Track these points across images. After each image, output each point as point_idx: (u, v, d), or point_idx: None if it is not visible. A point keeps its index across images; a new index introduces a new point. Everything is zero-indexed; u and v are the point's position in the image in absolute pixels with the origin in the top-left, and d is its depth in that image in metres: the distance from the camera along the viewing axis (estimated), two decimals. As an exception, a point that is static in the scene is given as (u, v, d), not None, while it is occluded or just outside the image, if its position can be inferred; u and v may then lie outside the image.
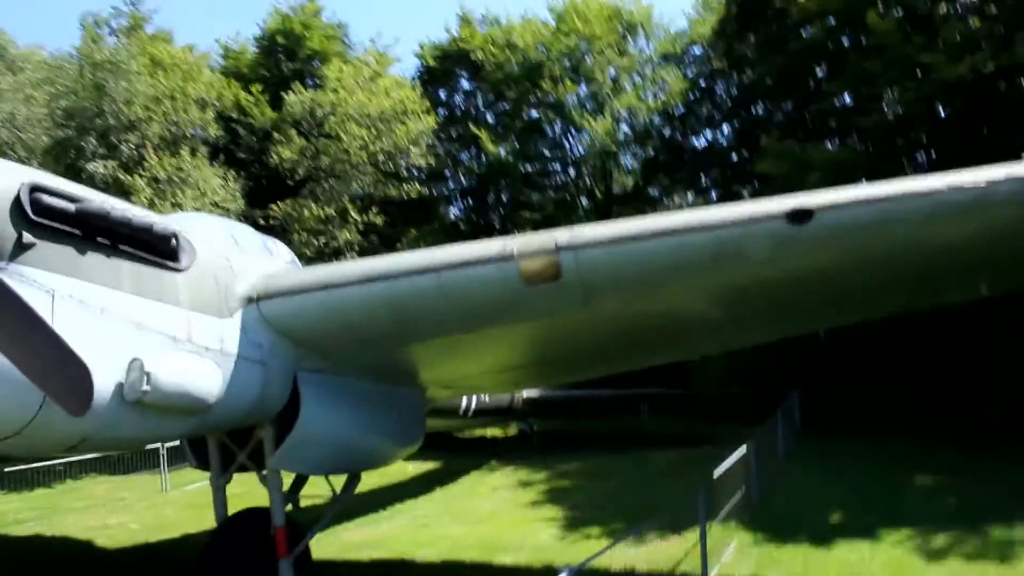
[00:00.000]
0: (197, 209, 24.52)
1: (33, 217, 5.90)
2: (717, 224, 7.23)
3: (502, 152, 34.01)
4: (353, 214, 30.25)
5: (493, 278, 7.38)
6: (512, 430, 27.94)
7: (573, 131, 35.04)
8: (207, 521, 17.21)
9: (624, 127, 35.52)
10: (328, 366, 8.30)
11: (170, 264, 6.88)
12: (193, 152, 28.23)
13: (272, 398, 7.79)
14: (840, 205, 7.01)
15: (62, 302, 5.78)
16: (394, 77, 34.74)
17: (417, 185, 33.55)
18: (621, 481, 18.84)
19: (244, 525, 8.70)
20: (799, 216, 7.00)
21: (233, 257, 7.81)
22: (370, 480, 9.43)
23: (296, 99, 31.82)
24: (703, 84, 36.30)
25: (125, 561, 14.31)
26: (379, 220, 30.71)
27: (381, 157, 31.45)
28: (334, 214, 29.52)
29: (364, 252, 29.24)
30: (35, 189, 6.01)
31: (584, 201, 34.86)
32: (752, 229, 7.17)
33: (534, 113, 36.35)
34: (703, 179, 36.28)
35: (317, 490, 10.17)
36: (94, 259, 6.27)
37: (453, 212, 38.51)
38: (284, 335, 7.71)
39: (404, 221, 34.44)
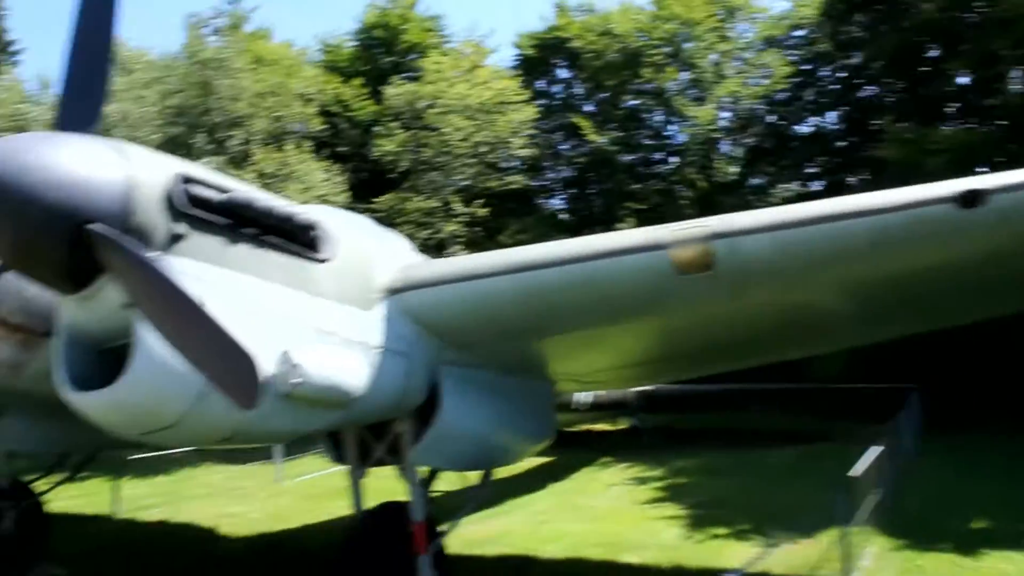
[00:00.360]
0: (304, 203, 24.72)
1: (184, 208, 5.81)
2: (879, 209, 6.75)
3: (603, 142, 33.43)
4: (457, 206, 30.17)
5: (643, 267, 7.03)
6: (620, 424, 27.55)
7: (674, 119, 34.30)
8: (324, 512, 17.50)
9: (727, 115, 34.69)
10: (466, 359, 8.07)
11: (313, 254, 6.72)
12: (298, 146, 28.52)
13: (414, 391, 7.60)
14: (1016, 186, 6.51)
15: (214, 293, 5.68)
16: (492, 68, 34.55)
17: (519, 176, 33.30)
18: (741, 479, 18.30)
19: (383, 519, 8.54)
20: (970, 199, 6.50)
21: (370, 248, 7.64)
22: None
23: (397, 92, 31.89)
24: (808, 68, 35.14)
25: (253, 549, 14.47)
26: (483, 212, 30.57)
27: (483, 148, 31.29)
28: (438, 206, 29.47)
29: (469, 244, 29.20)
30: (185, 179, 5.91)
31: (686, 191, 34.09)
32: (918, 213, 6.67)
33: (634, 102, 35.72)
34: (809, 167, 35.25)
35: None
36: (242, 249, 6.15)
37: (553, 204, 38.15)
38: (425, 327, 7.49)
39: (504, 213, 34.24)
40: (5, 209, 5.22)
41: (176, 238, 5.70)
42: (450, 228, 29.93)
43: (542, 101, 36.16)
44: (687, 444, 23.69)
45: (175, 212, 5.75)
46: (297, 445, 17.29)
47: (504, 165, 33.88)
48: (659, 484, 18.70)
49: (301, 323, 6.32)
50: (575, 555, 12.77)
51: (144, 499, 19.88)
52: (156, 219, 5.66)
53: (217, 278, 5.77)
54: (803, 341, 10.71)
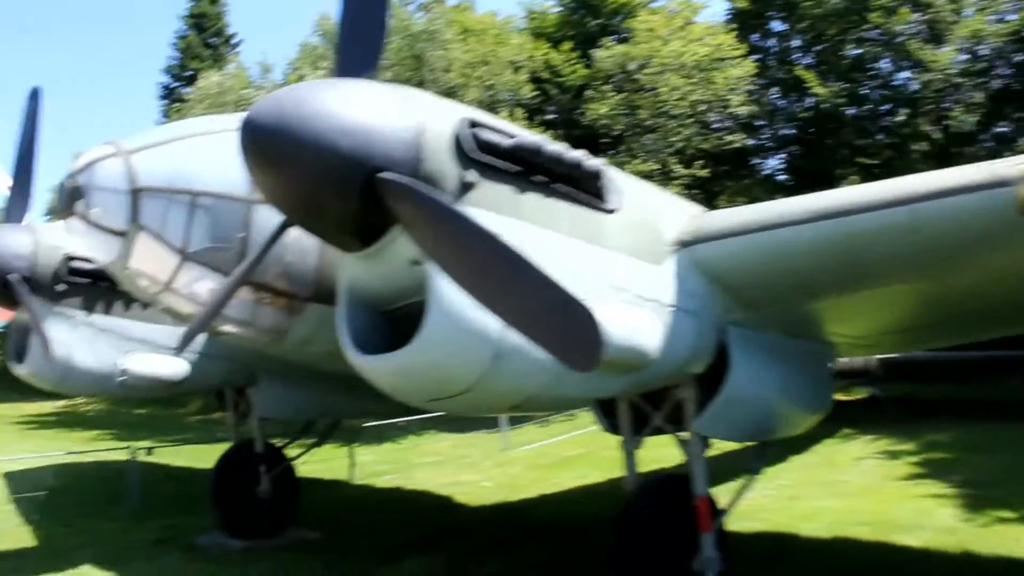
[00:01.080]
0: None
1: (474, 154, 5.33)
2: None
3: (828, 94, 31.18)
4: (676, 167, 29.12)
5: (979, 208, 6.01)
6: (857, 394, 25.85)
7: (905, 66, 31.61)
8: (557, 482, 17.22)
9: (964, 58, 31.57)
10: (751, 319, 7.30)
11: (601, 204, 6.14)
12: (510, 114, 28.25)
13: (702, 354, 6.93)
14: None
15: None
16: (704, 24, 33.11)
17: (739, 135, 31.79)
18: (1012, 456, 16.44)
19: (661, 493, 7.92)
20: None
21: (654, 196, 7.01)
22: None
23: (607, 54, 31.07)
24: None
25: (494, 518, 14.30)
26: (704, 173, 29.39)
27: (702, 107, 30.05)
28: (656, 168, 28.51)
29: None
30: (472, 124, 5.44)
31: (919, 144, 31.43)
32: None
33: (856, 50, 33.21)
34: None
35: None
36: (532, 199, 5.65)
37: (770, 163, 36.31)
38: (717, 283, 6.80)
39: (718, 175, 32.80)
40: (292, 158, 4.90)
41: (466, 186, 5.26)
42: (670, 191, 28.86)
43: (755, 56, 34.31)
44: (933, 416, 21.84)
45: (465, 158, 5.32)
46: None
47: (718, 125, 32.42)
48: (913, 459, 17.24)
49: (596, 279, 5.76)
50: (840, 534, 11.79)
51: (375, 466, 20.33)
52: (446, 166, 5.24)
53: (508, 230, 5.23)
54: None
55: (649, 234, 6.52)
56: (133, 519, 14.64)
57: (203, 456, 18.95)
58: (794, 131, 34.39)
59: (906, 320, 9.09)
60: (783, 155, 35.60)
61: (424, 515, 14.77)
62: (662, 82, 29.41)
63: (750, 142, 33.80)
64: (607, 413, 8.21)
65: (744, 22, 35.57)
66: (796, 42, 35.72)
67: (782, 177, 35.05)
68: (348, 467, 18.88)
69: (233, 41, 59.31)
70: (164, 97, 55.52)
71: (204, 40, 57.16)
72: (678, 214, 7.05)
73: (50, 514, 14.98)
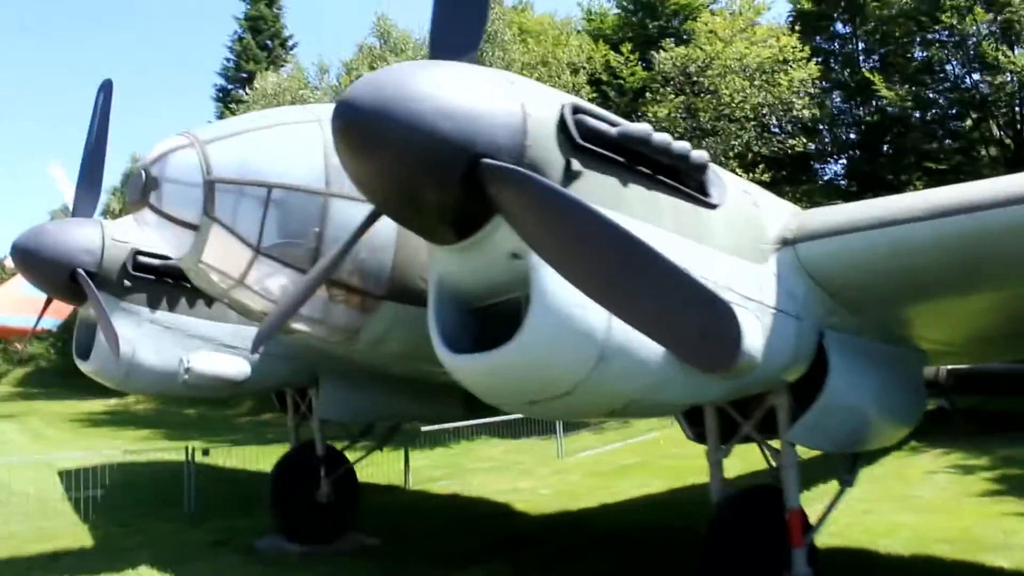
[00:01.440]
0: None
1: (579, 141, 4.99)
2: None
3: (895, 98, 30.37)
4: (738, 171, 28.56)
5: None
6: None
7: (975, 70, 30.71)
8: (617, 490, 16.78)
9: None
10: (849, 323, 6.88)
11: (703, 199, 5.77)
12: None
13: (802, 359, 6.50)
14: None
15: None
16: (767, 26, 32.53)
17: (802, 139, 31.15)
18: (1100, 475, 15.76)
19: (751, 505, 7.51)
20: None
21: (755, 192, 6.62)
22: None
23: (668, 56, 30.62)
24: None
25: (556, 527, 13.93)
26: (766, 177, 28.79)
27: (764, 110, 29.47)
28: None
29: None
30: (577, 110, 5.11)
31: (989, 151, 30.53)
32: None
33: (921, 53, 32.38)
34: None
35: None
36: (636, 191, 5.29)
37: (829, 169, 35.60)
38: (820, 283, 6.39)
39: (777, 180, 32.14)
40: (389, 142, 4.58)
41: (571, 176, 4.91)
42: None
43: (818, 58, 33.61)
44: (1006, 430, 21.04)
45: (570, 146, 4.98)
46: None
47: (778, 129, 31.82)
48: (989, 475, 16.57)
49: (700, 278, 5.37)
50: (920, 552, 11.24)
51: (429, 470, 20.03)
52: (551, 154, 4.89)
53: (615, 224, 4.89)
54: None
55: (752, 231, 6.13)
56: (189, 520, 14.52)
57: (255, 457, 18.86)
58: (856, 136, 33.68)
59: (1004, 327, 8.59)
60: (844, 160, 34.88)
61: (484, 523, 14.46)
62: (724, 84, 28.84)
63: (812, 147, 33.12)
64: (692, 421, 7.83)
65: (807, 24, 34.94)
66: (860, 45, 35.02)
67: (843, 182, 34.31)
68: (403, 471, 18.59)
69: (289, 44, 59.86)
70: (219, 99, 56.12)
71: (260, 42, 57.71)
72: (779, 211, 6.66)
73: (106, 514, 14.90)
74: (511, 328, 4.97)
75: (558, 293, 4.65)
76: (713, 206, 5.80)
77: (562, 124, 4.97)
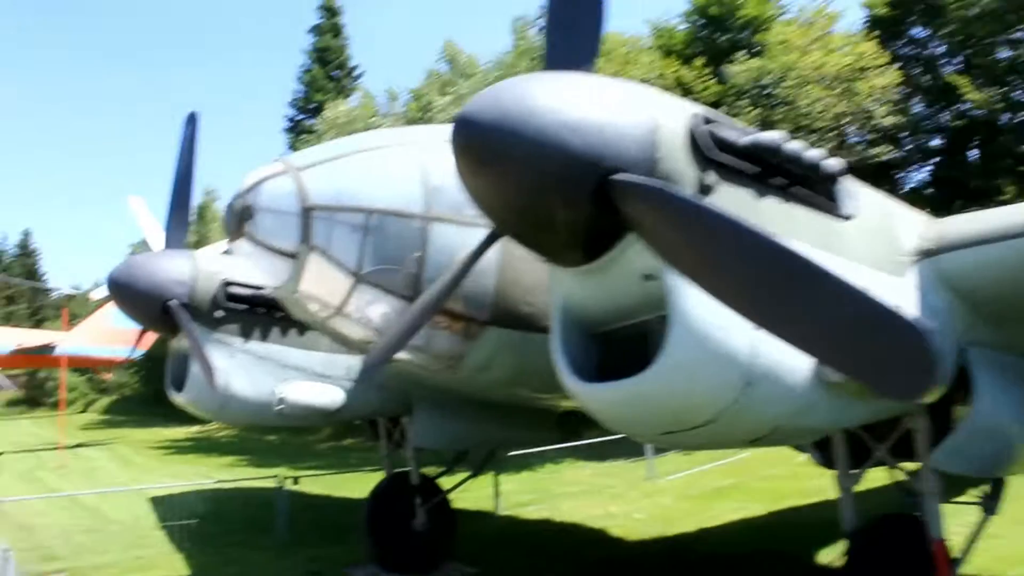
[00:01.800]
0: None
1: (712, 153, 4.70)
2: None
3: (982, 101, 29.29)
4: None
5: None
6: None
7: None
8: (713, 514, 16.26)
9: None
10: (993, 337, 6.44)
11: (838, 210, 5.42)
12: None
13: (943, 379, 6.10)
14: None
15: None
16: (843, 34, 31.75)
17: (883, 147, 30.26)
18: None
19: (887, 535, 7.09)
20: None
21: (888, 202, 6.25)
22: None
23: (742, 68, 30.09)
24: None
25: (658, 553, 13.52)
26: (851, 188, 28.03)
27: (846, 119, 28.72)
28: (799, 183, 27.28)
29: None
30: (707, 120, 4.82)
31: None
32: None
33: (1005, 53, 31.17)
34: None
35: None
36: (771, 203, 4.97)
37: (912, 177, 34.47)
38: (962, 297, 5.98)
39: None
40: (514, 158, 4.33)
41: (705, 189, 4.60)
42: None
43: (897, 64, 32.68)
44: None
45: (702, 158, 4.68)
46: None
47: (856, 138, 30.94)
48: None
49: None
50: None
51: (518, 495, 19.70)
52: (683, 166, 4.61)
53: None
54: None
55: (888, 243, 5.77)
56: (282, 549, 14.44)
57: (340, 484, 18.73)
58: (941, 142, 32.65)
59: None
60: (929, 167, 33.83)
61: (581, 549, 14.11)
62: (802, 95, 28.17)
63: (895, 155, 32.16)
64: (819, 445, 7.42)
65: (883, 29, 34.02)
66: (940, 48, 33.98)
67: (929, 191, 33.22)
68: (493, 497, 18.31)
69: (355, 73, 60.57)
70: (290, 130, 56.94)
71: (327, 73, 58.50)
72: (914, 221, 6.27)
73: (200, 542, 14.91)
74: (635, 354, 4.69)
75: (700, 315, 4.36)
76: (847, 217, 5.45)
77: (693, 135, 4.69)
